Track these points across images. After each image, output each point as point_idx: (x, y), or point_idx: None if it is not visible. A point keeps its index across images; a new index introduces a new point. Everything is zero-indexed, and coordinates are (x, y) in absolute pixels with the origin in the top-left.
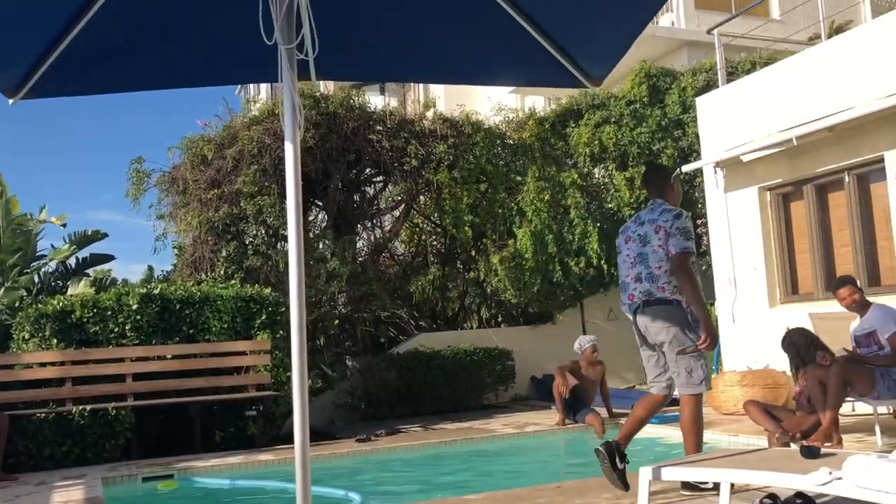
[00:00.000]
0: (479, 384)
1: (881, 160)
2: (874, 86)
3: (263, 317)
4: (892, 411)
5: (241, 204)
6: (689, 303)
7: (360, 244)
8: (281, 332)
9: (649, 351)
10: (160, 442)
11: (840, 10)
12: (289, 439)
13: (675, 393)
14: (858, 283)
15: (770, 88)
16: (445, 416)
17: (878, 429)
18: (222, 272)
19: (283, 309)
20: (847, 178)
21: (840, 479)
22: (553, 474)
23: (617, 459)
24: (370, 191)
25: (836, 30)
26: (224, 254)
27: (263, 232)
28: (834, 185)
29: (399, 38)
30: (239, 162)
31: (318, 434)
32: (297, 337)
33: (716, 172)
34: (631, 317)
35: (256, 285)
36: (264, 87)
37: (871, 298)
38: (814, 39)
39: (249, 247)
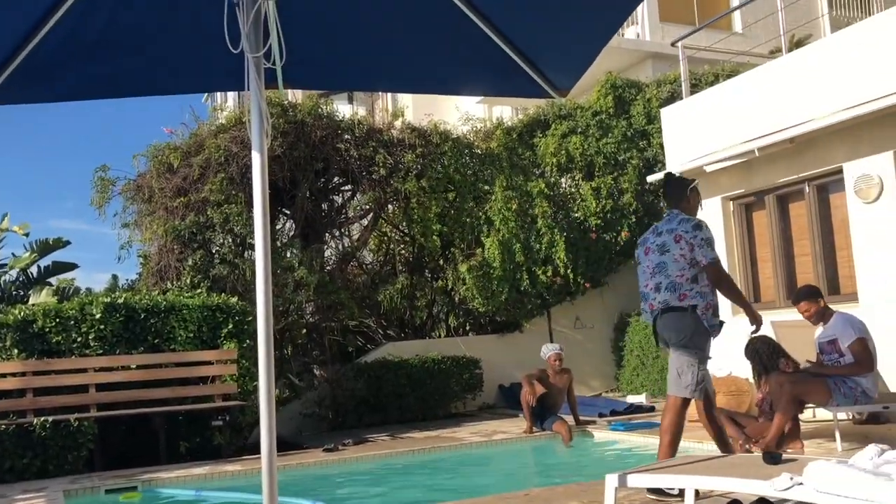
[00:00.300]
0: (447, 393)
1: (840, 171)
2: (833, 99)
3: (230, 326)
4: (851, 417)
5: (208, 212)
6: (735, 303)
7: (327, 253)
8: (248, 341)
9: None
10: (124, 453)
11: (800, 25)
12: (255, 449)
13: (634, 399)
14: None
15: (732, 100)
16: (413, 424)
17: (837, 434)
18: (188, 281)
19: (249, 318)
20: (807, 189)
21: (801, 484)
22: (521, 482)
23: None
24: (338, 199)
25: (797, 44)
26: (190, 262)
27: (230, 241)
28: (794, 196)
29: (367, 48)
30: (205, 170)
31: (286, 444)
32: (265, 346)
33: None
34: (651, 325)
35: (223, 294)
36: (231, 95)
37: (831, 307)
38: (775, 53)
39: (216, 255)
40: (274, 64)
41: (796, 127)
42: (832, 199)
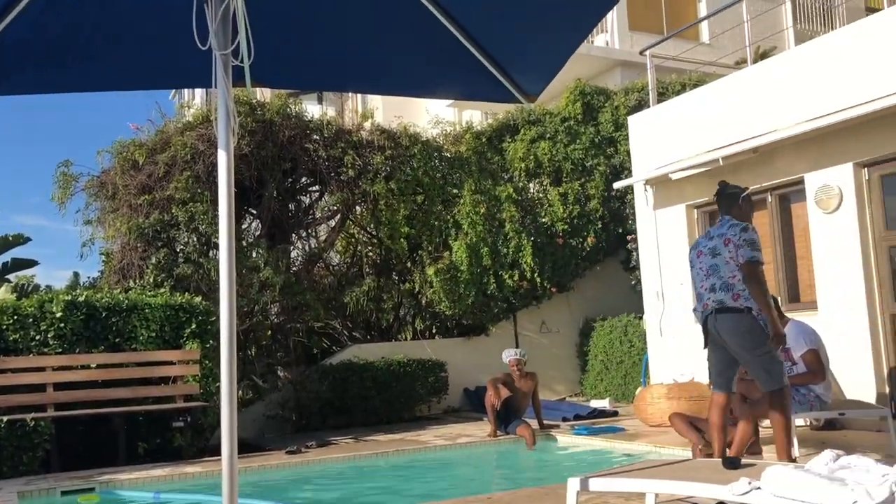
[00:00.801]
0: (412, 396)
1: (801, 181)
2: (796, 110)
3: (193, 326)
4: (809, 423)
5: (173, 210)
6: (760, 307)
7: (294, 254)
8: (211, 341)
9: (719, 354)
10: (82, 454)
11: (765, 37)
12: (217, 451)
13: (598, 404)
14: (779, 300)
15: (698, 110)
16: (378, 427)
17: (795, 440)
18: (151, 280)
19: (213, 318)
20: (770, 198)
21: (759, 488)
22: (484, 485)
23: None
24: (306, 200)
25: (762, 55)
26: (154, 261)
27: (195, 239)
28: (757, 205)
29: (337, 48)
30: (171, 168)
31: (248, 446)
32: (227, 347)
33: (646, 190)
34: (701, 323)
35: (187, 294)
36: (199, 92)
37: (791, 314)
38: (740, 64)
39: (180, 254)
40: (242, 62)
41: (760, 137)
42: (794, 209)
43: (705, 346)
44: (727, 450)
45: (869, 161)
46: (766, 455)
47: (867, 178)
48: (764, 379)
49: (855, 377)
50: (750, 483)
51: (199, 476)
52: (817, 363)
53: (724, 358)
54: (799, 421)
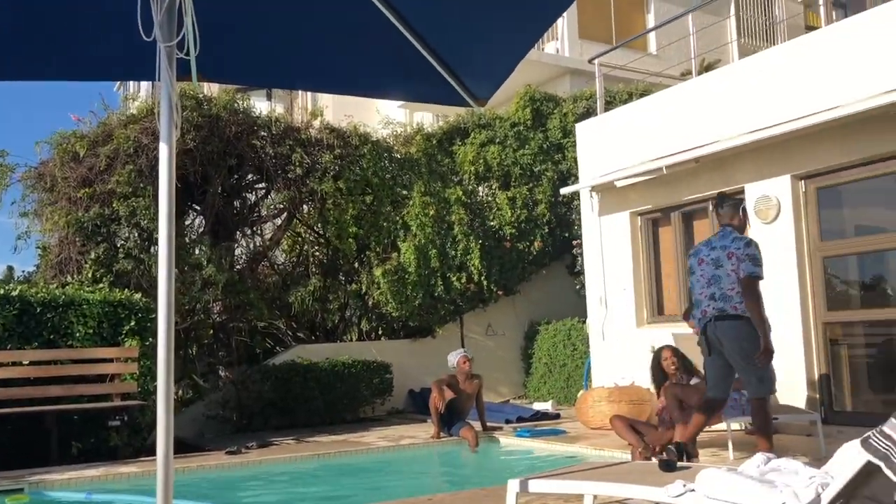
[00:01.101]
0: (356, 397)
1: (742, 191)
2: (737, 122)
3: (132, 323)
4: (744, 427)
5: (114, 205)
6: (754, 319)
7: (238, 252)
8: (150, 339)
9: (718, 361)
10: (12, 454)
11: (710, 49)
12: (154, 451)
13: (540, 406)
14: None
15: (643, 119)
16: (321, 428)
17: (730, 444)
18: (90, 275)
19: (153, 315)
20: (711, 207)
21: (693, 490)
22: (426, 487)
23: (685, 458)
24: (251, 197)
25: (706, 68)
26: (93, 256)
27: (136, 235)
28: (699, 213)
29: (287, 45)
30: (113, 161)
31: (187, 446)
32: (165, 344)
33: (591, 196)
34: (700, 329)
35: (126, 290)
36: (145, 85)
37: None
38: (685, 75)
39: (121, 250)
40: (187, 55)
41: (702, 147)
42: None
43: (709, 354)
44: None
45: (806, 174)
46: (701, 458)
47: (804, 189)
48: (755, 385)
49: (788, 383)
50: (685, 485)
51: (134, 476)
52: None
53: (724, 366)
54: (735, 425)
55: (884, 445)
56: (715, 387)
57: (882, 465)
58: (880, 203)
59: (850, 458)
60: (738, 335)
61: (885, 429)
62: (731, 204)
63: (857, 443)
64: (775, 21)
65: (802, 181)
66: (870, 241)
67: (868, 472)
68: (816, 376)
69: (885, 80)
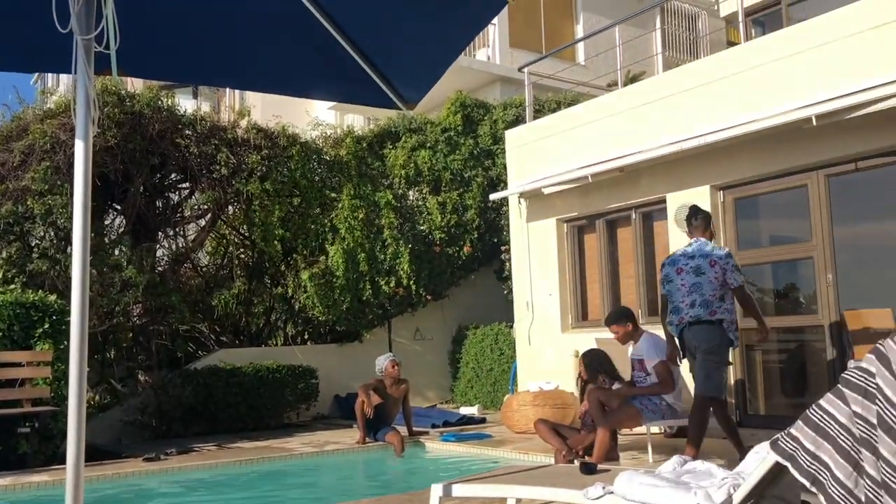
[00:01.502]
0: (280, 402)
1: (663, 201)
2: (659, 133)
3: (46, 325)
4: (663, 431)
5: (28, 202)
6: (753, 317)
7: (160, 253)
8: (65, 342)
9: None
10: None
11: (636, 62)
12: (66, 459)
13: (466, 411)
14: (636, 313)
15: (571, 128)
16: (244, 434)
17: (650, 447)
18: (0, 275)
19: (68, 318)
20: (634, 216)
21: (611, 493)
22: (350, 493)
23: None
24: (175, 197)
25: (632, 79)
26: (4, 255)
27: (52, 234)
28: (622, 221)
29: (213, 41)
30: (28, 157)
31: (103, 453)
32: (78, 347)
33: (519, 202)
34: (676, 335)
35: (40, 291)
36: (64, 79)
37: (650, 328)
38: (612, 86)
39: (35, 249)
40: (107, 48)
41: (626, 157)
42: (656, 227)
43: (682, 358)
44: (587, 456)
45: (724, 184)
46: (622, 461)
47: (722, 200)
48: (701, 380)
49: None
50: (604, 487)
51: (45, 485)
52: (667, 374)
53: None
54: (654, 429)
55: (790, 447)
56: (699, 383)
57: (789, 465)
58: (793, 214)
59: (759, 459)
60: (709, 336)
61: (793, 431)
62: (703, 217)
63: (766, 444)
64: (699, 36)
65: (721, 192)
66: (783, 251)
67: (776, 472)
68: (732, 381)
69: (798, 96)
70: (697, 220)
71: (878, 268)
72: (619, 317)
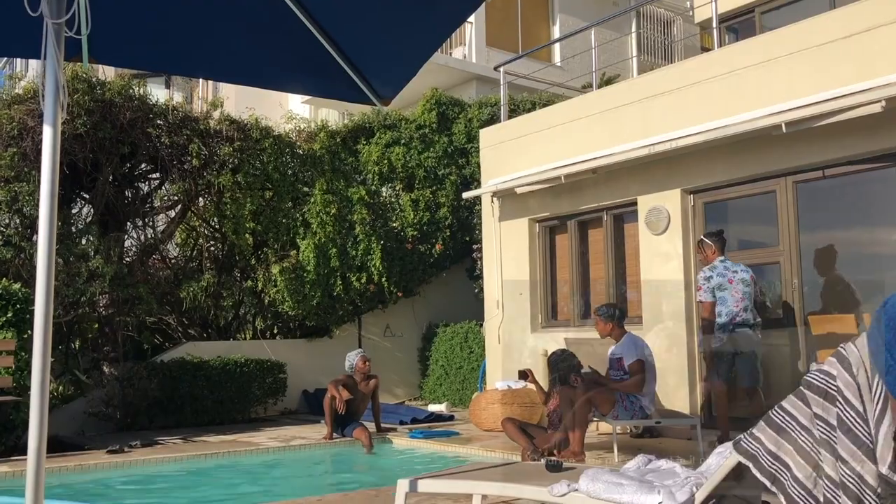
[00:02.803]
0: (247, 396)
1: (634, 203)
2: (631, 136)
3: (9, 314)
4: (629, 431)
5: None
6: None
7: (128, 243)
8: (29, 331)
9: (741, 358)
10: None
11: (611, 64)
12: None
13: (435, 408)
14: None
15: (545, 128)
16: (209, 428)
17: (615, 446)
18: None
19: (32, 307)
20: (605, 217)
21: (577, 490)
22: (316, 488)
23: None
24: (144, 188)
25: (607, 81)
26: None
27: (18, 221)
28: (594, 223)
29: (187, 30)
30: None
31: (66, 444)
32: (41, 337)
33: (492, 201)
34: (726, 335)
35: (4, 279)
36: (34, 63)
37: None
38: (586, 88)
39: (0, 237)
40: (78, 33)
41: (599, 159)
42: (627, 229)
43: (735, 353)
44: (554, 453)
45: (693, 188)
46: (588, 460)
47: (692, 203)
48: (748, 377)
49: (673, 389)
50: (569, 485)
51: (5, 476)
52: (640, 371)
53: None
54: (619, 429)
55: (753, 447)
56: (724, 376)
57: (750, 464)
58: (761, 219)
59: (722, 459)
60: (758, 340)
61: (755, 431)
62: (719, 238)
63: (729, 444)
64: (673, 41)
65: (691, 195)
66: (751, 255)
67: (738, 472)
68: (699, 383)
69: (769, 103)
70: (717, 240)
71: (844, 274)
72: (610, 313)
